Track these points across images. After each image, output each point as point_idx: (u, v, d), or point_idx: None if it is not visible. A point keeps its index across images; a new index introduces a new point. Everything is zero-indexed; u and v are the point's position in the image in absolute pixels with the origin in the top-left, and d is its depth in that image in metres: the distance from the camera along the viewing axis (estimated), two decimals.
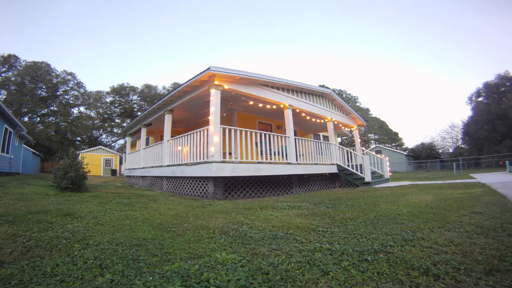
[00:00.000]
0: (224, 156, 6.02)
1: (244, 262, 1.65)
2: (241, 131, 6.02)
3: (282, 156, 6.93)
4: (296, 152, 7.40)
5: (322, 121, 10.18)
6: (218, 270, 1.53)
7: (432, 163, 32.49)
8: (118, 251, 1.83)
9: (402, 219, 2.82)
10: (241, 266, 1.60)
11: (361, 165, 8.65)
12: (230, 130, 5.86)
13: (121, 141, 40.64)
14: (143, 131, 10.30)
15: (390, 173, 11.06)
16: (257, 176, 6.05)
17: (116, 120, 43.75)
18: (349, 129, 12.70)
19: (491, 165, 26.83)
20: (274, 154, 6.93)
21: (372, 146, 43.24)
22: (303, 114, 9.49)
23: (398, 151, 36.99)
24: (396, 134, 54.49)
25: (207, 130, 5.62)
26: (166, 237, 2.24)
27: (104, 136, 44.22)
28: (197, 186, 5.96)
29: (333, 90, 15.01)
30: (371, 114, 55.04)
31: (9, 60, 34.37)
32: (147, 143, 11.46)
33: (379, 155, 10.76)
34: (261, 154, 6.65)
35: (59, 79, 37.98)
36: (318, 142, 8.89)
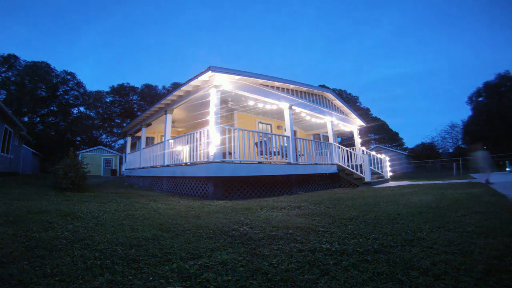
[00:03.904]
0: (224, 156, 6.02)
1: (244, 262, 1.65)
2: (241, 131, 6.01)
3: (282, 156, 6.93)
4: (296, 152, 7.40)
5: (322, 121, 10.18)
6: (218, 270, 1.53)
7: (432, 163, 32.45)
8: (118, 251, 1.83)
9: (402, 219, 2.82)
10: (241, 266, 1.60)
11: (361, 165, 8.64)
12: (230, 130, 5.86)
13: (121, 141, 40.60)
14: (143, 131, 10.30)
15: (390, 173, 11.05)
16: (257, 176, 6.05)
17: (116, 120, 43.73)
18: (349, 129, 12.69)
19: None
20: (274, 154, 6.93)
21: (372, 146, 43.20)
22: (303, 114, 9.49)
23: (398, 151, 36.90)
24: (396, 134, 54.36)
25: (207, 130, 5.62)
26: (166, 237, 2.24)
27: (104, 136, 44.21)
28: (197, 186, 5.96)
29: (333, 90, 15.00)
30: (372, 114, 54.95)
31: (9, 60, 34.35)
32: (147, 143, 11.46)
33: (379, 155, 10.74)
34: (261, 154, 6.65)
35: (59, 79, 37.95)
36: (318, 142, 8.89)
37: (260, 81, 6.82)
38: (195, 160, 5.97)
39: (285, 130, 9.71)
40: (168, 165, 7.28)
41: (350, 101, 52.50)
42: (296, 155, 7.39)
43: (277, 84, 7.36)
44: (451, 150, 42.51)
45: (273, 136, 7.41)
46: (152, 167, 8.53)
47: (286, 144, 7.23)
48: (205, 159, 5.53)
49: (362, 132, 48.85)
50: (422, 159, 35.20)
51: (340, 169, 8.87)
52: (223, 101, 7.91)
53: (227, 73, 5.76)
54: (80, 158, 6.88)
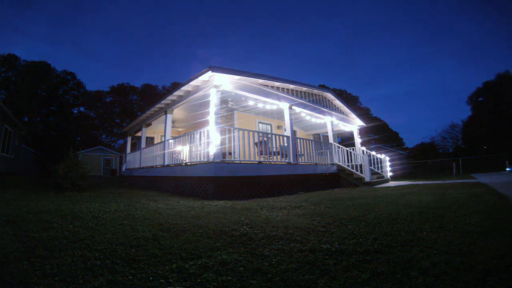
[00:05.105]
0: (224, 156, 6.02)
1: (244, 262, 1.65)
2: (241, 131, 6.01)
3: (282, 156, 6.93)
4: (296, 152, 7.40)
5: (322, 121, 10.17)
6: (218, 270, 1.53)
7: (432, 163, 32.43)
8: (118, 251, 1.83)
9: (402, 219, 2.81)
10: (241, 266, 1.60)
11: (361, 165, 8.64)
12: (230, 130, 5.86)
13: (121, 141, 40.57)
14: (143, 131, 10.30)
15: (390, 173, 11.04)
16: (257, 176, 6.05)
17: (116, 120, 43.75)
18: (349, 129, 12.70)
19: (491, 165, 26.79)
20: (274, 154, 6.93)
21: (372, 146, 43.18)
22: (303, 114, 9.49)
23: (398, 151, 36.87)
24: (396, 134, 54.31)
25: (207, 130, 5.62)
26: (166, 237, 2.24)
27: (104, 136, 44.21)
28: (197, 186, 5.96)
29: (333, 90, 15.00)
30: (372, 114, 54.94)
31: (9, 60, 34.36)
32: (147, 143, 11.46)
33: (379, 155, 10.74)
34: (261, 154, 6.65)
35: (59, 79, 37.97)
36: (318, 142, 8.89)
37: (260, 81, 6.83)
38: (195, 160, 5.97)
39: (285, 130, 9.71)
40: (168, 165, 7.28)
41: (350, 101, 52.46)
42: (296, 155, 7.39)
43: (277, 84, 7.36)
44: (451, 150, 42.54)
45: (273, 136, 7.41)
46: (152, 167, 8.53)
47: (286, 144, 7.23)
48: (205, 159, 5.53)
49: (362, 132, 48.46)
50: (422, 159, 35.20)
51: (340, 169, 8.86)
52: (223, 101, 7.91)
53: (227, 73, 5.76)
54: (80, 158, 6.89)
